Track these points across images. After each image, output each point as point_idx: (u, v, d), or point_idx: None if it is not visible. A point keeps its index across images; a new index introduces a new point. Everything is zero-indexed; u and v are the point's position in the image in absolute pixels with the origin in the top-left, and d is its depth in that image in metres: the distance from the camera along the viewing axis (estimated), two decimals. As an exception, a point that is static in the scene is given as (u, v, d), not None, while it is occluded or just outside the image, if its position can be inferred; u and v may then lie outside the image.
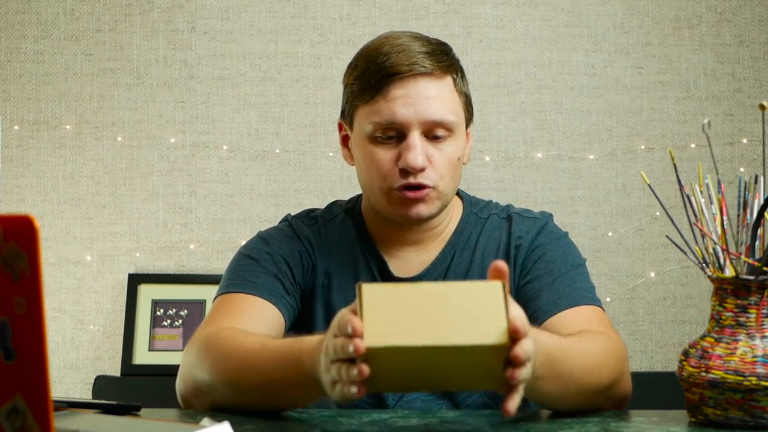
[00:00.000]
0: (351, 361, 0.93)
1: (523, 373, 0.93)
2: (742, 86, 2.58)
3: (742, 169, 2.54)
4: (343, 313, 0.96)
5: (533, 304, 1.35)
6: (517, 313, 0.95)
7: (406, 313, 0.92)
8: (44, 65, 2.55)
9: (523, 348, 0.92)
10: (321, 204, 1.54)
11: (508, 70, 2.57)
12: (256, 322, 1.31)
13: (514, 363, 0.92)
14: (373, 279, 1.42)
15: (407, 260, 1.43)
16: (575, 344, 1.15)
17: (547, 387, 1.08)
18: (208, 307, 2.09)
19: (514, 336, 0.91)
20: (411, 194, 1.34)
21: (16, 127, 2.55)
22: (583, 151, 2.57)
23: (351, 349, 0.90)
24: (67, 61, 2.55)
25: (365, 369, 0.91)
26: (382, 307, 0.92)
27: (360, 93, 1.35)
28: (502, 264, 0.97)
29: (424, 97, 1.32)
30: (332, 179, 2.55)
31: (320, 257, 1.43)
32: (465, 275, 1.41)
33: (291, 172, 2.56)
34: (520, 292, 1.39)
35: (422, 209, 1.35)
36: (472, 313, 0.92)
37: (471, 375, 0.94)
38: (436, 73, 1.33)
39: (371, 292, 0.94)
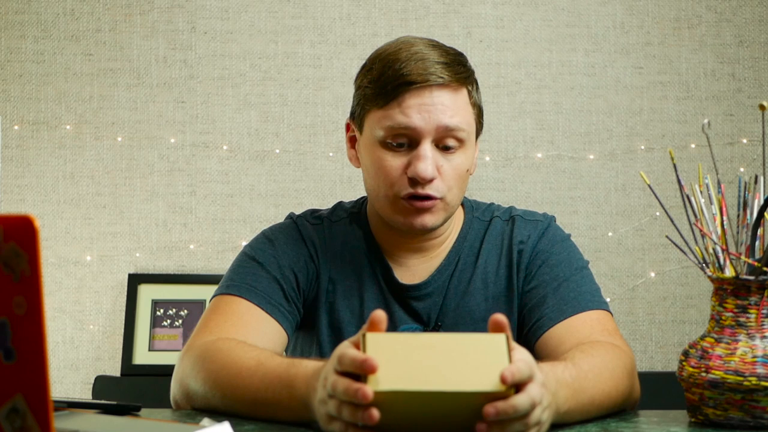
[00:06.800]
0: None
1: (513, 428, 0.91)
2: (742, 86, 2.58)
3: (742, 169, 2.54)
4: (345, 349, 0.94)
5: (538, 310, 1.34)
6: (521, 356, 0.93)
7: (410, 360, 0.92)
8: (44, 65, 2.55)
9: (497, 405, 0.89)
10: (321, 204, 1.54)
11: (508, 70, 2.57)
12: (257, 334, 1.30)
13: (485, 416, 0.90)
14: (378, 285, 1.41)
15: (412, 267, 1.42)
16: (591, 369, 1.13)
17: (570, 416, 1.07)
18: (208, 307, 2.08)
19: (501, 380, 0.90)
20: (418, 204, 1.32)
21: (16, 127, 2.55)
22: (583, 151, 2.57)
23: (359, 395, 0.89)
24: (67, 61, 2.56)
25: (375, 414, 0.89)
26: (386, 354, 0.92)
27: (373, 97, 1.33)
28: (501, 318, 0.96)
29: (440, 104, 1.30)
30: (332, 179, 2.55)
31: (324, 262, 1.41)
32: (469, 281, 1.41)
33: (291, 172, 2.56)
34: (525, 297, 1.38)
35: (428, 220, 1.34)
36: (476, 362, 0.92)
37: (473, 424, 0.93)
38: (452, 84, 1.31)
39: (375, 339, 0.94)
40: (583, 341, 1.24)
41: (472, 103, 1.36)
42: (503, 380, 0.90)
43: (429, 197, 1.32)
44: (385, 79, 1.31)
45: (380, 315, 0.95)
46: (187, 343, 1.29)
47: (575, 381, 1.07)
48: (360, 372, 0.91)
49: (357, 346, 0.95)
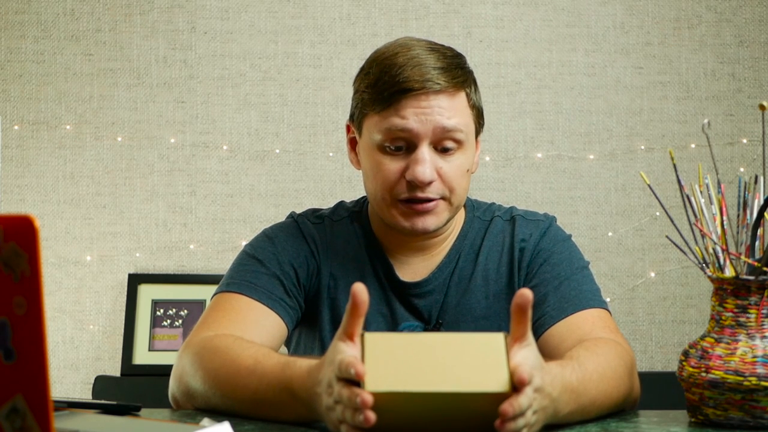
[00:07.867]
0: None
1: (518, 424, 0.92)
2: (742, 86, 2.58)
3: (742, 169, 2.54)
4: (342, 356, 0.94)
5: (539, 309, 1.34)
6: (520, 360, 0.94)
7: (408, 360, 0.92)
8: (44, 65, 2.55)
9: (513, 404, 0.91)
10: (321, 204, 1.54)
11: (508, 70, 2.57)
12: (255, 328, 1.30)
13: (502, 416, 0.91)
14: (379, 282, 1.41)
15: (413, 265, 1.42)
16: (595, 369, 1.12)
17: (570, 418, 1.07)
18: (208, 307, 2.08)
19: (518, 384, 0.91)
20: (418, 207, 1.32)
21: (16, 127, 2.55)
22: (583, 151, 2.57)
23: (358, 400, 0.90)
24: (67, 61, 2.55)
25: (371, 417, 0.90)
26: (385, 354, 0.93)
27: (371, 102, 1.33)
28: (527, 293, 0.95)
29: (437, 107, 1.30)
30: (332, 179, 2.55)
31: (325, 258, 1.42)
32: (469, 279, 1.41)
33: (291, 172, 2.56)
34: None
35: (430, 222, 1.34)
36: (475, 362, 0.92)
37: (472, 424, 0.93)
38: (450, 90, 1.31)
39: (373, 340, 0.94)
40: (584, 338, 1.25)
41: (471, 105, 1.36)
42: (521, 383, 0.91)
43: (428, 200, 1.32)
44: (383, 85, 1.31)
45: (360, 287, 0.95)
46: (186, 339, 1.29)
47: (580, 384, 1.07)
48: (357, 378, 0.92)
49: (349, 336, 0.95)
